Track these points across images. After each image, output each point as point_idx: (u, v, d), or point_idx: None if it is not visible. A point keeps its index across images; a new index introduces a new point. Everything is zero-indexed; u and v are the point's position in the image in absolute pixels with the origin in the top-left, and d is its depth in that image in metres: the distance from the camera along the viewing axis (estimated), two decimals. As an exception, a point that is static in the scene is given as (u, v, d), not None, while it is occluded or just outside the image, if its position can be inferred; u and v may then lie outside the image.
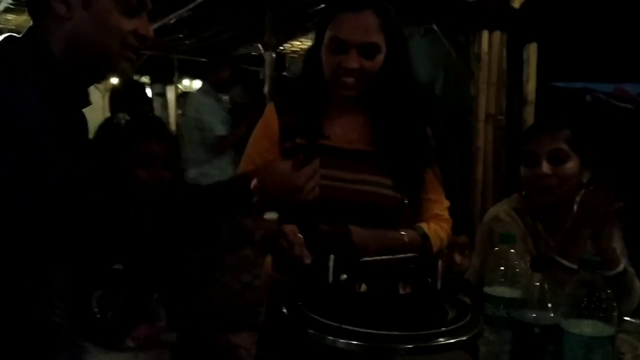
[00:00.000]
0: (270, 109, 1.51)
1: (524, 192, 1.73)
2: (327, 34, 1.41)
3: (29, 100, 0.99)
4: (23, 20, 7.26)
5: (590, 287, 0.97)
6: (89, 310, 1.42)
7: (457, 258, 1.87)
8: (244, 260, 2.55)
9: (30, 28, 1.14)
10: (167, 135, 1.65)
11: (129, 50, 1.15)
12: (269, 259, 1.52)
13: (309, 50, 1.54)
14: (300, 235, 1.23)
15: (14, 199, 0.96)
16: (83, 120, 1.22)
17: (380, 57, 1.40)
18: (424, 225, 1.47)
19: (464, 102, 3.00)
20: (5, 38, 1.15)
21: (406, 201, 1.49)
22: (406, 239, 1.42)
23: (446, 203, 1.55)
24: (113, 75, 1.26)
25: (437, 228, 1.49)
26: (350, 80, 1.39)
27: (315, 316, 0.99)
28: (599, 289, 0.97)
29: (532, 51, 2.83)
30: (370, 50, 1.38)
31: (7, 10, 6.81)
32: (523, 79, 2.81)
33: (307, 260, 1.21)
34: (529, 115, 2.76)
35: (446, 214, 1.54)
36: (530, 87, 2.80)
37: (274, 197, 1.14)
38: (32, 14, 1.18)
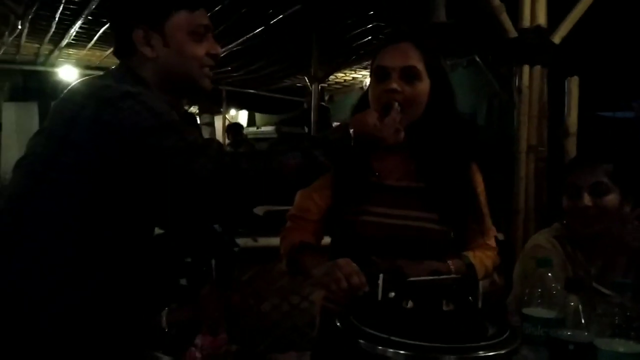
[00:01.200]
0: None
1: (565, 222, 1.80)
2: (373, 68, 1.54)
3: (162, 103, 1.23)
4: (83, 54, 7.69)
5: (622, 307, 1.05)
6: (159, 325, 1.58)
7: (496, 278, 1.95)
8: (293, 283, 2.67)
9: (122, 64, 1.36)
10: None
11: (207, 68, 1.38)
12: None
13: (363, 93, 1.64)
14: (354, 265, 1.31)
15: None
16: None
17: (421, 85, 1.49)
18: (469, 254, 1.52)
19: (508, 132, 3.05)
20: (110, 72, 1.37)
21: (452, 234, 1.54)
22: (452, 269, 1.46)
23: (492, 232, 1.61)
24: (198, 93, 1.48)
25: (483, 256, 1.54)
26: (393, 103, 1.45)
27: (366, 329, 1.10)
28: (630, 310, 1.04)
29: (573, 84, 2.88)
30: (410, 73, 1.47)
31: (68, 45, 7.21)
32: (565, 111, 2.86)
33: (365, 289, 1.27)
34: (571, 146, 2.79)
35: (492, 242, 1.59)
36: (572, 119, 2.84)
37: (366, 141, 1.32)
38: (118, 54, 1.39)
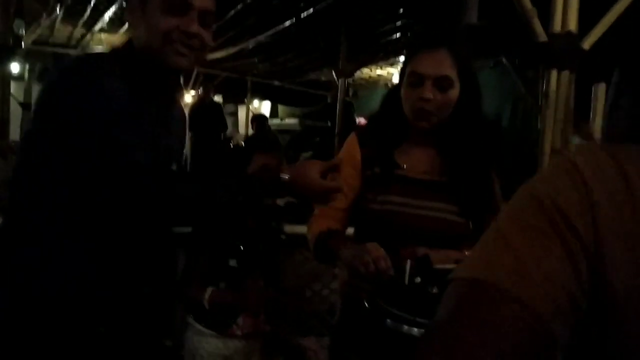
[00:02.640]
0: (353, 141, 1.69)
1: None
2: (407, 71, 1.59)
3: (113, 89, 1.18)
4: (115, 39, 7.83)
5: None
6: (201, 303, 1.67)
7: None
8: (315, 270, 2.75)
9: (127, 39, 1.36)
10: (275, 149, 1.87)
11: (176, 44, 1.27)
12: (343, 267, 1.71)
13: (391, 89, 1.71)
14: (382, 249, 1.38)
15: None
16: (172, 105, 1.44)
17: (453, 92, 1.56)
18: None
19: (532, 134, 3.09)
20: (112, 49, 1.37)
21: (471, 226, 1.61)
22: None
23: None
24: (172, 73, 1.45)
25: None
26: (427, 111, 1.54)
27: (393, 310, 1.18)
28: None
29: (600, 90, 2.91)
30: (443, 83, 1.53)
31: (101, 30, 7.35)
32: (590, 116, 2.90)
33: (390, 272, 1.33)
34: (595, 151, 2.84)
35: None
36: (597, 125, 2.88)
37: (298, 192, 1.32)
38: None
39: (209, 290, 1.73)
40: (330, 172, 1.35)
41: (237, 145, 8.00)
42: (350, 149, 1.69)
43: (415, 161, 1.63)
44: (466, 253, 1.57)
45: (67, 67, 1.23)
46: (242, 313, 1.78)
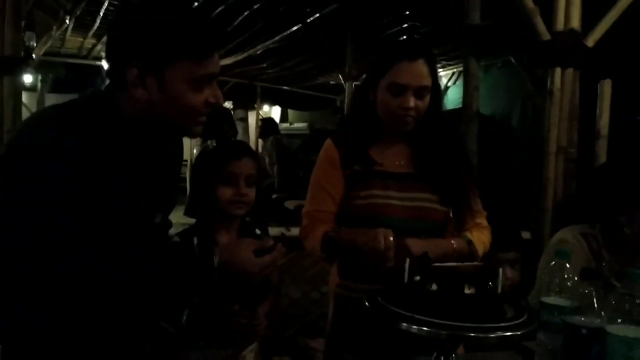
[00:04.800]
0: (329, 144, 1.76)
1: (597, 224, 1.87)
2: (386, 80, 1.65)
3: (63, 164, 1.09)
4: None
5: (631, 296, 1.12)
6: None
7: (508, 272, 2.03)
8: (322, 272, 2.76)
9: (107, 89, 1.25)
10: (248, 155, 1.83)
11: (203, 115, 1.25)
12: (334, 270, 1.76)
13: (360, 91, 1.79)
14: (391, 239, 1.48)
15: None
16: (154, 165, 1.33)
17: (428, 97, 1.66)
18: (468, 234, 1.70)
19: (542, 133, 3.08)
20: (86, 94, 1.26)
21: (451, 214, 1.73)
22: (455, 246, 1.65)
23: (484, 212, 1.78)
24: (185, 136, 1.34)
25: (480, 235, 1.72)
26: (408, 118, 1.65)
27: (392, 307, 1.19)
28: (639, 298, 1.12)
29: (606, 87, 2.91)
30: (423, 92, 1.64)
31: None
32: (597, 113, 2.89)
33: (390, 264, 1.46)
34: (602, 149, 2.83)
35: (485, 222, 1.76)
36: (604, 122, 2.87)
37: (232, 274, 1.25)
38: (108, 80, 1.25)
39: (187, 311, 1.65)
40: (265, 253, 1.29)
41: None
42: (328, 152, 1.76)
43: (390, 157, 1.73)
44: (452, 242, 1.67)
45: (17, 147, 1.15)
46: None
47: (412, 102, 1.62)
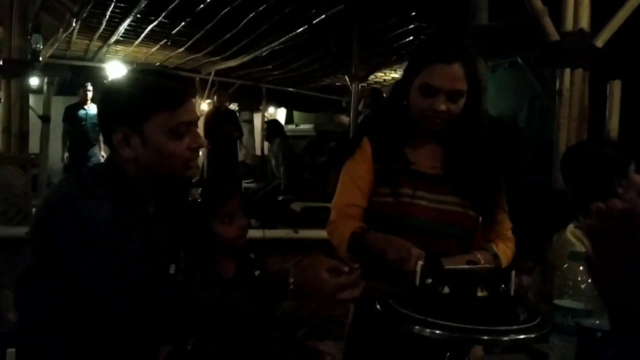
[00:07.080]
0: (364, 139, 1.72)
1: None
2: (419, 80, 1.60)
3: (102, 215, 1.23)
4: (130, 51, 7.95)
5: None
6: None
7: (524, 280, 2.02)
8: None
9: (110, 156, 1.41)
10: (237, 190, 1.92)
11: (190, 160, 1.36)
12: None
13: (396, 91, 1.74)
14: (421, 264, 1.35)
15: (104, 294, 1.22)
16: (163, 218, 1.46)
17: (462, 101, 1.61)
18: (493, 246, 1.65)
19: (549, 134, 3.07)
20: (99, 164, 1.40)
21: (480, 220, 1.67)
22: (482, 261, 1.58)
23: (509, 224, 1.72)
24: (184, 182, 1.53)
25: (505, 247, 1.67)
26: (438, 120, 1.60)
27: (404, 310, 1.18)
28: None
29: (615, 88, 2.89)
30: (456, 95, 1.59)
31: (116, 42, 7.45)
32: (606, 114, 2.87)
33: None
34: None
35: (510, 233, 1.71)
36: (614, 122, 2.86)
37: (306, 295, 1.24)
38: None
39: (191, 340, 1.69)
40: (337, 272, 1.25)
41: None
42: (363, 148, 1.72)
43: (422, 157, 1.68)
44: (477, 255, 1.59)
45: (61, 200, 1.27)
46: None
47: (442, 104, 1.57)
